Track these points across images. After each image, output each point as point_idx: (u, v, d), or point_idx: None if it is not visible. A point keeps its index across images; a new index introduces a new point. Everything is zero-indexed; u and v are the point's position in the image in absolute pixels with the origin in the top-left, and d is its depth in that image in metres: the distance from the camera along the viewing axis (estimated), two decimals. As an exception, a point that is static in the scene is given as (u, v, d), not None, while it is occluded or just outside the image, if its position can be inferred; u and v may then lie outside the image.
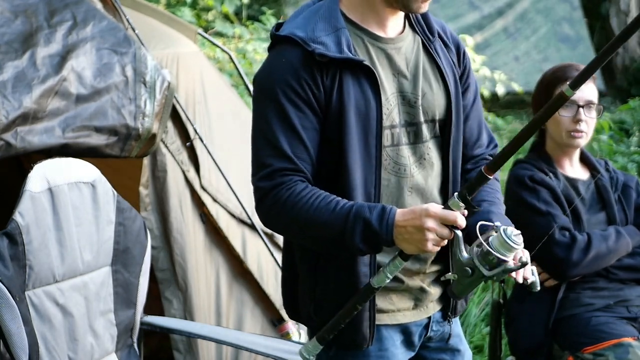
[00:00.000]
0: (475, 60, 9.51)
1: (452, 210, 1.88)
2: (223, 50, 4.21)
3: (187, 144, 3.26)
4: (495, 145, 2.24)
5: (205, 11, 8.28)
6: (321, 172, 2.00)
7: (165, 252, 3.22)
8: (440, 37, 2.14)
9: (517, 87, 9.57)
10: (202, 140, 3.26)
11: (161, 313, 3.16)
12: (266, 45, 8.07)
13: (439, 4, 11.01)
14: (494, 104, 10.42)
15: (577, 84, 1.92)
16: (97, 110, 2.77)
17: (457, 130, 2.12)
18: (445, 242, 1.90)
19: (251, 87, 4.12)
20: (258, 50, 7.78)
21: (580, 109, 3.01)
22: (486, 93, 9.58)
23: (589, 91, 3.03)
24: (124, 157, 2.88)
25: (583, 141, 3.07)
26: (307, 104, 1.96)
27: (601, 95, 10.87)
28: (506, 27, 11.16)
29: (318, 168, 1.99)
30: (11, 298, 2.20)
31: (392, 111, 2.05)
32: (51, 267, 2.35)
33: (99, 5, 3.05)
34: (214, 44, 4.12)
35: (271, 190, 1.94)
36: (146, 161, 3.18)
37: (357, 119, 1.99)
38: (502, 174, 5.74)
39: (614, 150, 6.46)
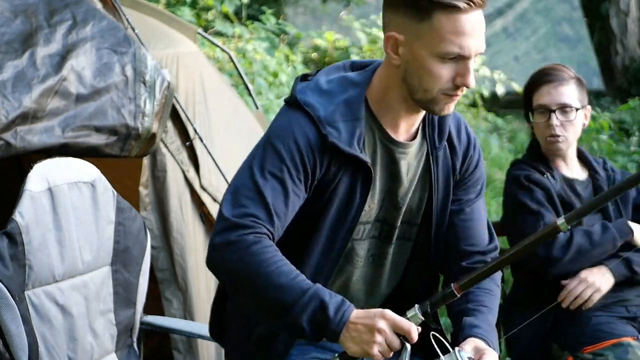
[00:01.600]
0: (475, 60, 9.52)
1: (408, 320, 1.85)
2: (223, 50, 4.22)
3: (187, 143, 3.26)
4: (496, 247, 2.20)
5: (205, 11, 8.28)
6: (282, 238, 1.96)
7: (165, 252, 3.22)
8: (450, 139, 2.12)
9: (516, 87, 9.56)
10: (202, 140, 3.26)
11: (161, 313, 3.16)
12: (266, 44, 8.07)
13: (438, 3, 11.02)
14: (494, 104, 10.41)
15: (572, 219, 1.91)
16: (96, 109, 2.77)
17: (436, 237, 2.12)
18: (392, 354, 1.86)
19: (251, 87, 4.14)
20: (258, 50, 7.78)
21: (553, 114, 2.99)
22: (486, 93, 9.58)
23: (561, 94, 2.99)
24: (123, 157, 2.88)
25: (563, 145, 3.04)
26: (304, 177, 1.94)
27: (601, 95, 10.88)
28: (506, 27, 11.16)
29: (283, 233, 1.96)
30: (11, 298, 2.19)
31: (373, 209, 2.06)
32: (51, 266, 2.35)
33: (99, 5, 3.05)
34: (213, 43, 4.12)
35: (239, 228, 1.88)
36: (146, 161, 3.18)
37: (336, 212, 1.99)
38: (501, 174, 5.72)
39: (613, 150, 6.47)
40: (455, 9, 1.88)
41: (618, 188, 2.01)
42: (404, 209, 2.09)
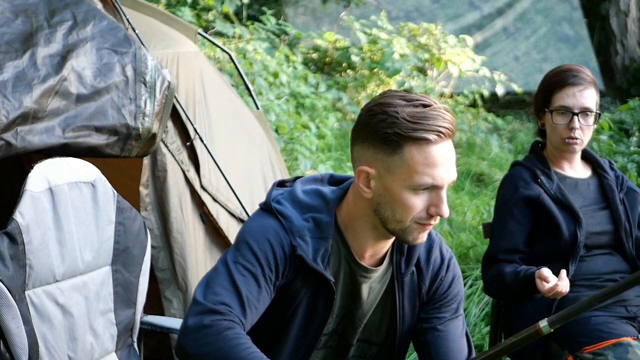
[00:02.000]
0: (476, 60, 9.52)
1: None
2: (223, 50, 4.22)
3: (187, 143, 3.26)
4: None
5: (206, 11, 8.28)
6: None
7: (165, 252, 3.22)
8: (418, 263, 2.11)
9: (516, 87, 9.57)
10: (202, 140, 3.26)
11: (161, 313, 3.16)
12: (266, 45, 8.08)
13: (439, 3, 11.02)
14: (494, 104, 10.42)
15: (555, 323, 1.93)
16: (97, 110, 2.77)
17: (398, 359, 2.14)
18: None
19: (251, 87, 4.14)
20: (258, 50, 7.78)
21: (575, 117, 3.01)
22: (486, 93, 9.59)
23: (585, 98, 3.02)
24: (124, 157, 2.88)
25: (578, 147, 3.07)
26: (274, 278, 1.97)
27: (601, 95, 10.88)
28: (506, 27, 11.17)
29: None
30: (11, 298, 2.19)
31: (331, 322, 2.08)
32: (51, 266, 2.35)
33: (99, 5, 3.05)
34: (214, 43, 4.12)
35: (213, 313, 1.89)
36: (146, 161, 3.18)
37: (300, 325, 2.03)
38: (501, 174, 5.72)
39: (613, 150, 6.47)
40: (426, 141, 1.90)
41: (607, 293, 2.02)
42: (360, 329, 2.12)
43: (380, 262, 2.08)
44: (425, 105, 1.93)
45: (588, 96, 3.03)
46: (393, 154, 1.92)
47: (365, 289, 2.07)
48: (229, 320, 1.88)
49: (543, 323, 1.92)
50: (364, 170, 1.96)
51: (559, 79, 3.04)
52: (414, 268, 2.10)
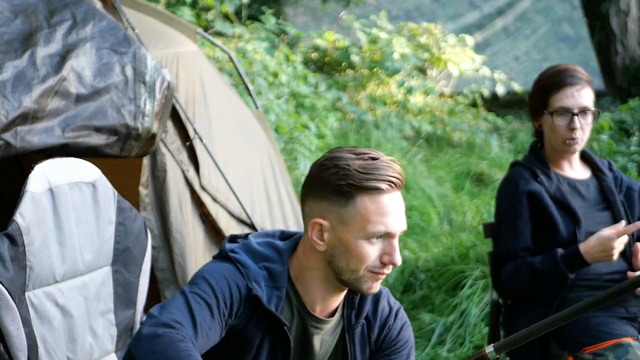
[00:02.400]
0: (475, 60, 9.52)
1: None
2: (223, 50, 4.22)
3: (187, 143, 3.26)
4: None
5: (205, 11, 8.28)
6: None
7: (165, 252, 3.22)
8: (366, 315, 2.15)
9: (516, 87, 9.57)
10: (201, 140, 3.26)
11: (161, 313, 3.16)
12: (265, 44, 8.07)
13: (439, 3, 11.01)
14: (494, 103, 10.41)
15: (501, 349, 1.99)
16: (96, 110, 2.77)
17: None
18: None
19: (251, 87, 4.14)
20: (258, 50, 7.78)
21: (575, 117, 3.00)
22: (486, 93, 9.58)
23: (583, 97, 3.02)
24: (123, 157, 2.88)
25: (578, 147, 3.07)
26: (227, 314, 2.00)
27: (601, 95, 10.88)
28: (506, 27, 11.16)
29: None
30: (11, 299, 2.19)
31: None
32: (52, 267, 2.34)
33: (99, 5, 3.05)
34: (213, 43, 4.12)
35: (167, 327, 1.90)
36: (146, 161, 3.18)
37: None
38: (501, 174, 5.73)
39: (613, 150, 6.46)
40: (378, 190, 1.97)
41: (565, 315, 2.08)
42: None
43: (332, 314, 2.12)
44: (374, 158, 2.00)
45: (585, 95, 3.03)
46: (346, 205, 1.98)
47: (317, 340, 2.11)
48: (182, 335, 1.90)
49: (489, 349, 1.99)
50: (318, 223, 2.01)
51: (555, 80, 3.03)
52: (364, 320, 2.14)
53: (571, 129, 3.01)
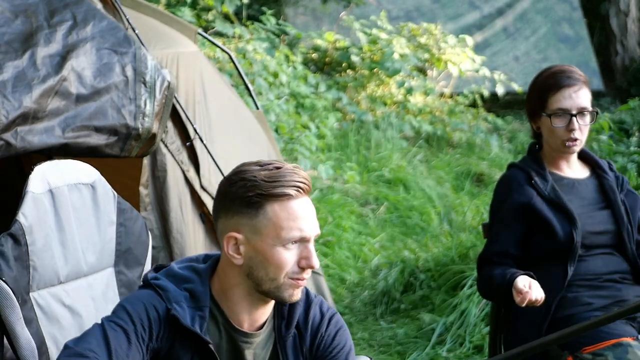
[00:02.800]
0: (475, 61, 9.52)
1: None
2: (223, 50, 4.22)
3: (187, 143, 3.27)
4: None
5: (205, 11, 8.28)
6: None
7: (165, 252, 3.22)
8: (297, 325, 2.14)
9: (516, 87, 9.57)
10: (202, 140, 3.26)
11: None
12: (266, 45, 8.07)
13: (439, 3, 11.02)
14: (494, 104, 10.42)
15: None
16: (97, 110, 2.77)
17: None
18: None
19: (251, 87, 4.14)
20: (258, 50, 7.78)
21: (574, 118, 3.00)
22: (486, 93, 9.59)
23: (581, 98, 3.02)
24: (123, 157, 2.88)
25: (577, 148, 3.07)
26: (147, 339, 2.01)
27: (601, 95, 10.87)
28: (506, 27, 11.16)
29: None
30: (15, 299, 2.20)
31: None
32: (55, 268, 2.35)
33: (99, 5, 3.05)
34: (213, 43, 4.13)
35: (80, 356, 1.92)
36: (146, 161, 3.18)
37: None
38: (500, 174, 5.71)
39: (613, 151, 6.47)
40: (286, 196, 2.01)
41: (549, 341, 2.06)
42: None
43: (261, 328, 2.12)
44: (278, 167, 2.03)
45: (583, 96, 3.03)
46: (257, 215, 2.01)
47: (249, 355, 2.11)
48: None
49: None
50: (232, 237, 2.03)
51: (553, 82, 3.03)
52: (295, 330, 2.14)
53: (570, 130, 3.01)
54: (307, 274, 2.05)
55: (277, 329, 2.13)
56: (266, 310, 2.11)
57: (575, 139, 3.02)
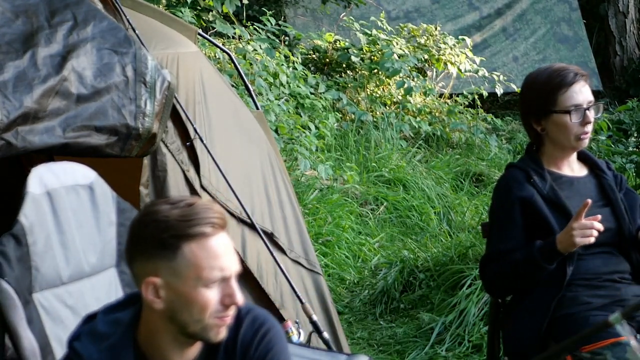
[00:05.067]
0: (475, 61, 9.53)
1: None
2: (223, 51, 4.22)
3: (187, 143, 3.27)
4: None
5: (206, 12, 8.28)
6: None
7: (165, 252, 3.22)
8: (227, 348, 2.08)
9: (515, 88, 9.57)
10: (202, 140, 3.27)
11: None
12: (266, 45, 8.08)
13: (439, 4, 11.02)
14: (493, 104, 10.42)
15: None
16: (97, 110, 2.78)
17: None
18: None
19: (251, 87, 4.14)
20: (258, 51, 7.79)
21: (587, 112, 3.02)
22: (485, 94, 9.59)
23: (588, 92, 3.06)
24: (124, 157, 2.89)
25: (587, 142, 3.10)
26: None
27: (599, 95, 10.88)
28: (505, 28, 11.17)
29: None
30: (17, 299, 2.20)
31: None
32: (56, 269, 2.35)
33: (100, 6, 3.06)
34: (214, 44, 4.13)
35: None
36: (146, 161, 3.18)
37: None
38: (499, 175, 5.72)
39: (612, 151, 6.48)
40: (203, 235, 1.93)
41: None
42: None
43: None
44: (190, 204, 1.96)
45: (589, 90, 3.07)
46: (175, 257, 1.93)
47: None
48: None
49: (613, 317, 2.03)
50: (150, 282, 1.95)
51: (560, 80, 3.03)
52: (223, 354, 2.08)
53: (585, 123, 3.03)
54: (232, 311, 1.99)
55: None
56: (195, 347, 2.05)
57: (588, 132, 3.05)
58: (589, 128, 3.04)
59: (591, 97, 3.06)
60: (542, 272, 2.96)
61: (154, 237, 1.94)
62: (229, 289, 1.97)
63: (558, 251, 2.92)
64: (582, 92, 3.03)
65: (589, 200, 2.89)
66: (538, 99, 3.07)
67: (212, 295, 1.96)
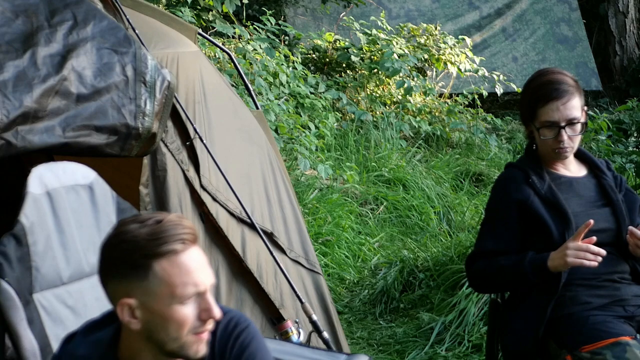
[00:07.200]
0: (475, 61, 9.53)
1: None
2: (223, 51, 4.22)
3: (187, 143, 3.27)
4: None
5: (206, 11, 8.29)
6: None
7: (165, 251, 3.22)
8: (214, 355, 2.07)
9: (515, 88, 9.57)
10: (202, 140, 3.27)
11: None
12: (266, 45, 8.09)
13: (439, 3, 11.02)
14: (493, 104, 10.43)
15: None
16: (97, 109, 2.78)
17: None
18: None
19: (251, 87, 4.14)
20: (258, 51, 7.79)
21: (562, 130, 3.00)
22: (485, 93, 9.59)
23: (569, 109, 3.00)
24: (124, 157, 2.89)
25: (569, 154, 3.07)
26: None
27: (599, 95, 10.88)
28: (505, 28, 11.17)
29: None
30: (18, 299, 2.20)
31: None
32: (57, 269, 2.35)
33: (100, 5, 3.06)
34: (214, 44, 4.13)
35: None
36: (146, 160, 3.18)
37: None
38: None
39: (612, 151, 6.48)
40: (173, 252, 1.90)
41: None
42: None
43: None
44: (158, 221, 1.92)
45: (572, 107, 3.00)
46: (147, 277, 1.91)
47: None
48: None
49: None
50: (125, 303, 1.93)
51: (541, 94, 3.01)
52: None
53: (558, 141, 3.02)
54: (210, 324, 1.97)
55: None
56: None
57: (565, 148, 3.03)
58: (566, 144, 3.01)
59: (573, 115, 3.00)
60: (527, 284, 2.98)
61: (124, 258, 1.91)
62: (205, 303, 1.94)
63: (548, 268, 2.92)
64: (559, 110, 2.99)
65: (591, 221, 2.88)
66: (524, 106, 3.10)
67: (188, 312, 1.93)
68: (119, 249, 1.92)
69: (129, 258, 1.91)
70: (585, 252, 2.86)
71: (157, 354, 1.98)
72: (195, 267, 1.93)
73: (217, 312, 1.95)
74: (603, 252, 2.88)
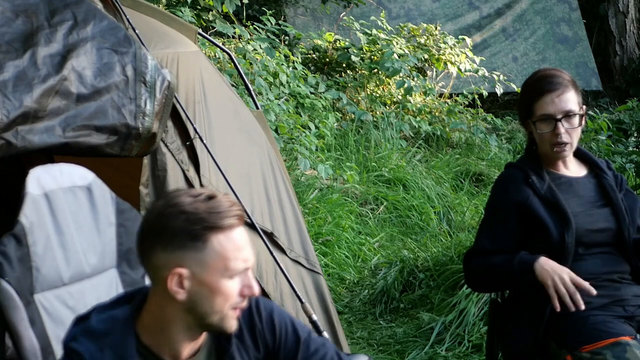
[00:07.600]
0: (475, 61, 9.53)
1: None
2: (223, 50, 4.23)
3: (187, 143, 3.27)
4: None
5: (206, 11, 8.29)
6: None
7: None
8: (240, 335, 2.11)
9: (515, 88, 9.58)
10: (202, 140, 3.27)
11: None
12: (266, 45, 8.09)
13: (439, 3, 11.03)
14: (493, 104, 10.43)
15: None
16: (97, 109, 2.78)
17: None
18: None
19: (251, 87, 4.14)
20: (258, 51, 7.79)
21: (559, 123, 3.01)
22: (485, 93, 9.59)
23: (565, 102, 3.00)
24: (124, 157, 2.89)
25: (568, 151, 3.07)
26: None
27: (599, 95, 10.88)
28: (505, 28, 11.18)
29: None
30: (18, 300, 2.20)
31: None
32: (57, 270, 2.35)
33: (100, 5, 3.06)
34: (214, 44, 4.13)
35: None
36: (146, 160, 3.18)
37: None
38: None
39: (612, 151, 6.48)
40: (230, 227, 1.97)
41: None
42: None
43: (197, 351, 2.08)
44: (211, 197, 1.99)
45: (567, 99, 3.01)
46: (203, 249, 1.96)
47: None
48: None
49: None
50: (177, 273, 1.96)
51: (536, 88, 3.03)
52: (236, 339, 2.11)
53: (555, 134, 3.01)
54: (245, 302, 2.04)
55: (216, 346, 2.09)
56: (202, 338, 2.08)
57: (563, 143, 3.02)
58: (564, 138, 3.01)
59: (569, 107, 3.00)
60: (517, 283, 2.98)
61: (183, 229, 1.95)
62: (247, 279, 2.01)
63: (532, 270, 2.92)
64: (554, 102, 3.00)
65: (594, 292, 2.88)
66: (521, 105, 3.10)
67: (234, 286, 1.99)
68: (179, 219, 1.95)
69: (190, 228, 1.95)
70: (572, 292, 2.86)
71: (192, 326, 2.01)
72: (245, 244, 2.00)
73: (257, 289, 2.02)
74: (593, 291, 2.88)
